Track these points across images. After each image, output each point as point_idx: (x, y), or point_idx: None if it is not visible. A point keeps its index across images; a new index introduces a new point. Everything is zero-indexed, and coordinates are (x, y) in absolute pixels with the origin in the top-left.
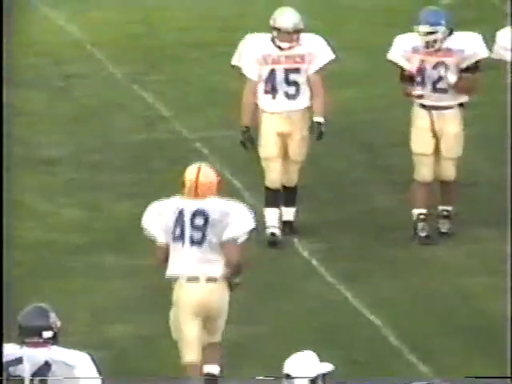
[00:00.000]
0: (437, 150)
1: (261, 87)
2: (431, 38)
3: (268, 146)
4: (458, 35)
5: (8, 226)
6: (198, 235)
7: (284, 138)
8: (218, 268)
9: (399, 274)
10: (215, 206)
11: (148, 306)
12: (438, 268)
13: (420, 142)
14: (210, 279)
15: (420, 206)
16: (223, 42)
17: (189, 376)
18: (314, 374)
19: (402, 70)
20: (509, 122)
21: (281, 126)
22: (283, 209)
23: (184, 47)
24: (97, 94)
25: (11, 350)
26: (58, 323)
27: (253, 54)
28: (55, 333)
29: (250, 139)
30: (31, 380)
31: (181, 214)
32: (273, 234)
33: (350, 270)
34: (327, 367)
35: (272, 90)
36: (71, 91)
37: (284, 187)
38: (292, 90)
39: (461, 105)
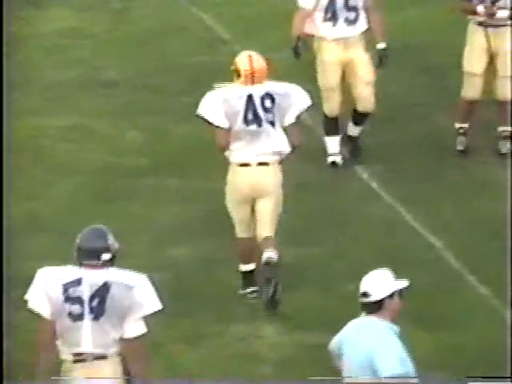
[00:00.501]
0: (492, 69)
1: (319, 16)
2: None
3: (329, 76)
4: None
5: (69, 150)
6: (270, 117)
7: (346, 64)
8: (285, 146)
9: (460, 196)
10: (277, 88)
11: (209, 229)
12: (499, 190)
13: (473, 59)
14: (270, 160)
15: (461, 120)
16: None
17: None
18: (390, 291)
19: None
20: None
21: (342, 53)
22: (350, 125)
23: None
24: (156, 16)
25: (70, 271)
26: (116, 245)
27: None
28: (113, 255)
29: (302, 45)
30: (90, 301)
31: (250, 98)
32: (334, 163)
33: (411, 192)
34: (404, 283)
35: (332, 17)
36: (130, 13)
37: (357, 112)
38: (352, 15)
39: None
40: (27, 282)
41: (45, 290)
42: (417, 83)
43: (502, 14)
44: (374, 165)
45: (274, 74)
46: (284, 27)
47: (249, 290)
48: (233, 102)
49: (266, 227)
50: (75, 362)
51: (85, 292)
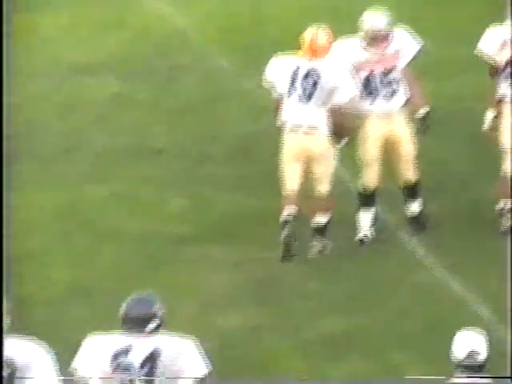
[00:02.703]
0: None
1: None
2: None
3: (369, 150)
4: None
5: (115, 217)
6: (308, 92)
7: (387, 139)
8: (321, 121)
9: (507, 266)
10: (327, 68)
11: (254, 298)
12: None
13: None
14: (311, 129)
15: (505, 196)
16: None
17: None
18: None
19: (492, 65)
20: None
21: (382, 128)
22: (408, 204)
23: (288, 39)
24: (201, 85)
25: (118, 339)
26: (163, 311)
27: (346, 60)
28: (160, 321)
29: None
30: (141, 369)
31: (296, 70)
32: (361, 241)
33: (456, 261)
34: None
35: (370, 95)
36: (176, 82)
37: (404, 186)
38: (389, 90)
39: None
40: (73, 349)
41: (93, 358)
42: (464, 151)
43: None
44: (420, 234)
45: None
46: None
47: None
48: (284, 70)
49: (318, 185)
50: None
51: (135, 360)
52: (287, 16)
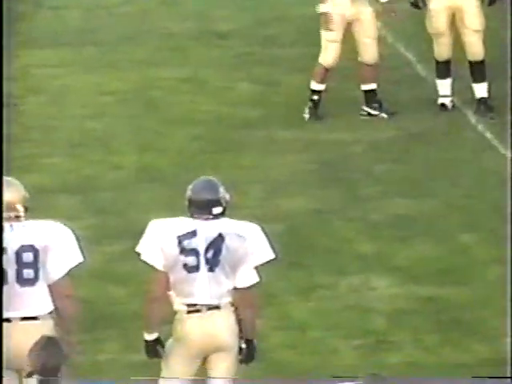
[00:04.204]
0: None
1: None
2: None
3: (436, 22)
4: None
5: (182, 101)
6: None
7: (456, 10)
8: None
9: None
10: None
11: (321, 181)
12: None
13: None
14: None
15: None
16: None
17: None
18: None
19: None
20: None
21: (449, 0)
22: (474, 85)
23: None
24: None
25: (184, 223)
26: (228, 196)
27: None
28: (225, 207)
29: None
30: (205, 252)
31: None
32: (443, 105)
33: None
34: None
35: None
36: None
37: (470, 63)
38: None
39: None
40: (138, 233)
41: (158, 242)
42: None
43: None
44: (489, 115)
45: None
46: None
47: None
48: None
49: None
50: (189, 312)
51: (200, 243)
52: None
